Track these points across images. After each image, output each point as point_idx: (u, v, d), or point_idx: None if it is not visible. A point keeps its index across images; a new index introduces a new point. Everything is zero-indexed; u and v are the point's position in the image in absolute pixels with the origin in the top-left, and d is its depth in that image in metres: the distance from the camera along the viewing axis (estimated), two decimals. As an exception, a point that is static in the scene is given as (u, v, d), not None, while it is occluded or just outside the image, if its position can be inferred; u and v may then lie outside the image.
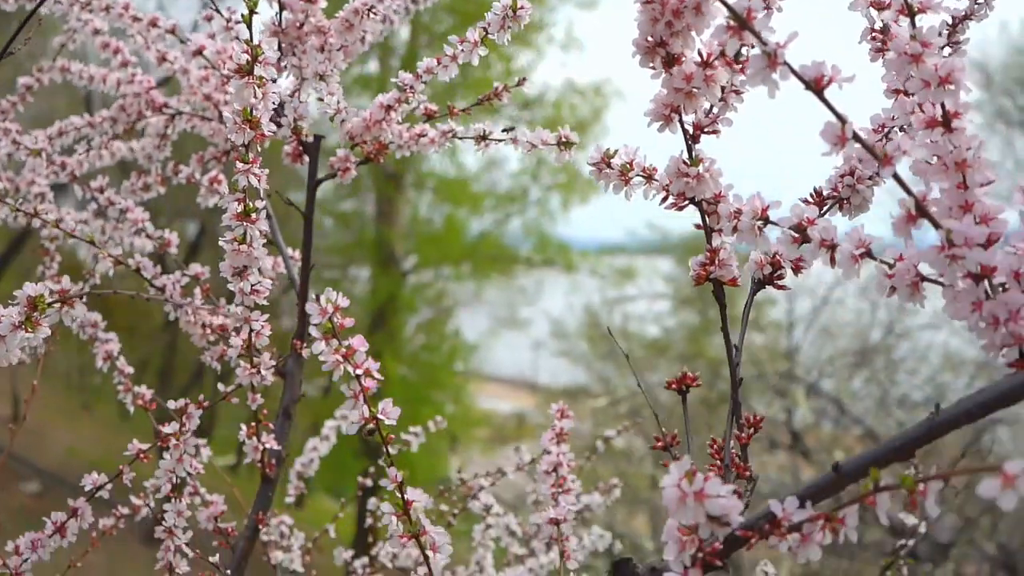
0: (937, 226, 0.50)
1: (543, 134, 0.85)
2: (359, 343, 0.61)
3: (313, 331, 0.60)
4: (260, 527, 0.97)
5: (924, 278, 0.53)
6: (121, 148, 1.34)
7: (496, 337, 11.92)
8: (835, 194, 0.66)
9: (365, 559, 1.34)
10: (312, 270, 1.02)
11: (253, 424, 0.94)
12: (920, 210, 0.50)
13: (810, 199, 0.67)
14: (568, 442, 0.93)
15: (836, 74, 0.49)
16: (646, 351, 9.76)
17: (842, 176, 0.67)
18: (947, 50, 0.71)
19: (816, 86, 0.49)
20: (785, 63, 0.49)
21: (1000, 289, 0.51)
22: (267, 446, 0.95)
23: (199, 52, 1.04)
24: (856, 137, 0.49)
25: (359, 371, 0.61)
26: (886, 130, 0.67)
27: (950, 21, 0.72)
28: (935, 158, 0.53)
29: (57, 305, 0.66)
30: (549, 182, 11.77)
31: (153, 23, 1.08)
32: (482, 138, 0.92)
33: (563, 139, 0.83)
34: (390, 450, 0.63)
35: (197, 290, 1.02)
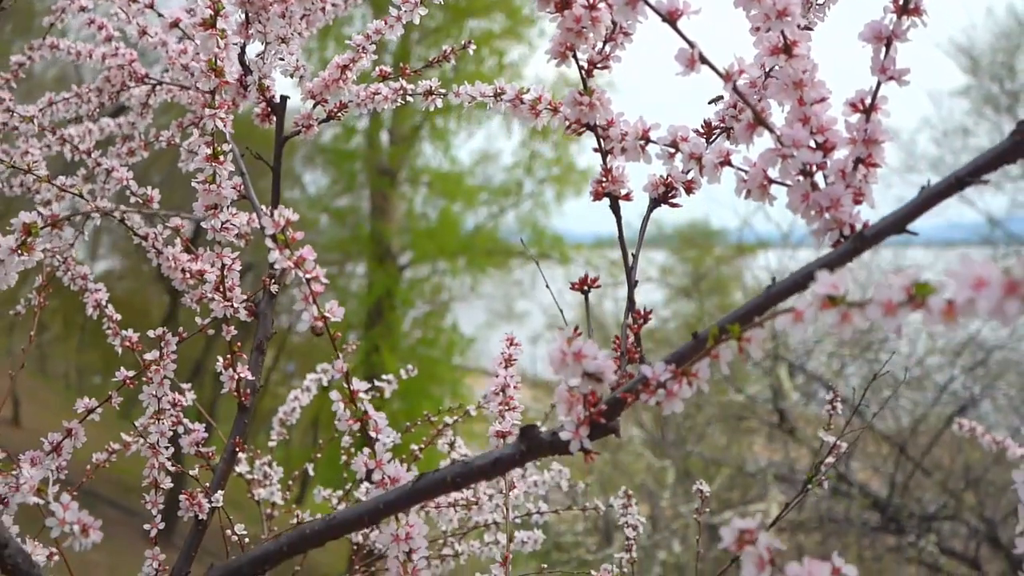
0: (772, 132, 0.60)
1: (481, 87, 0.95)
2: (308, 252, 0.71)
3: (268, 242, 0.70)
4: (237, 451, 1.08)
5: (771, 180, 0.63)
6: (109, 123, 1.44)
7: (493, 330, 12.02)
8: (722, 124, 0.77)
9: (340, 492, 1.45)
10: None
11: (229, 356, 1.04)
12: (758, 119, 0.60)
13: (700, 129, 0.77)
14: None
15: (687, 8, 0.60)
16: (643, 340, 9.80)
17: (728, 108, 0.77)
18: None
19: (671, 18, 0.60)
20: (644, 0, 0.59)
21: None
22: (242, 376, 1.06)
23: (175, 24, 1.14)
24: (703, 59, 0.60)
25: (309, 276, 0.71)
26: (767, 68, 0.77)
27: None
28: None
29: (48, 228, 0.77)
30: (543, 175, 11.88)
31: (133, -1, 1.18)
32: (429, 93, 1.03)
33: (498, 91, 0.93)
34: (337, 346, 0.74)
35: (178, 240, 1.12)
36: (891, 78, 0.61)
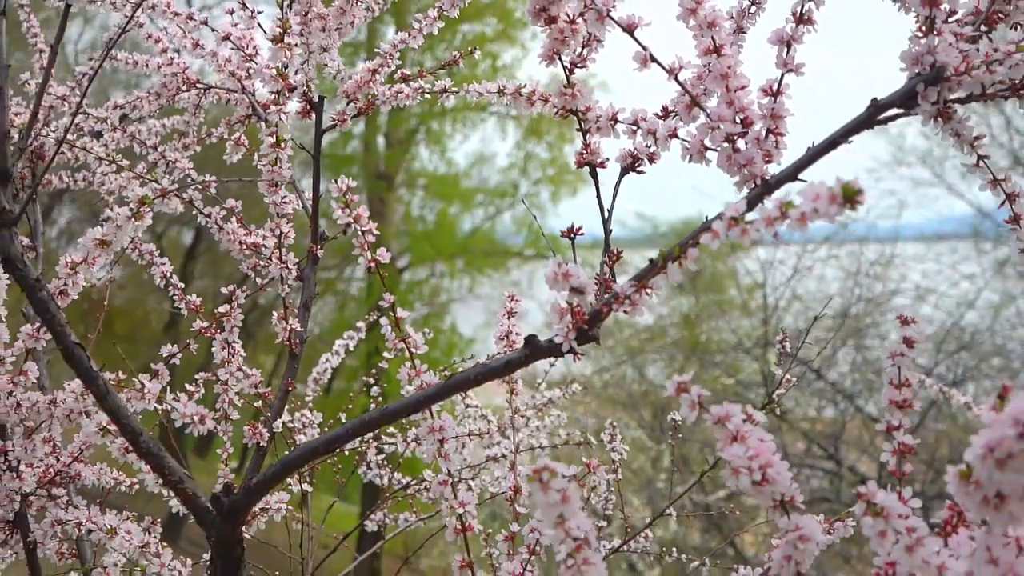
0: (704, 111, 0.83)
1: (487, 85, 1.18)
2: (364, 211, 0.94)
3: (333, 203, 0.93)
4: (289, 390, 1.30)
5: (706, 147, 0.86)
6: (155, 125, 1.66)
7: (492, 331, 12.21)
8: (675, 108, 0.99)
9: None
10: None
11: (282, 310, 1.27)
12: (693, 102, 0.83)
13: (659, 112, 0.99)
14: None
15: (641, 21, 0.82)
16: (640, 339, 10.04)
17: (679, 95, 0.99)
18: (753, 7, 1.03)
19: (629, 29, 0.82)
20: (609, 16, 0.82)
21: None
22: (293, 328, 1.28)
23: (227, 37, 1.36)
24: (653, 59, 0.82)
25: (364, 229, 0.93)
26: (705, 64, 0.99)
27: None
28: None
29: (160, 199, 0.99)
30: (538, 176, 12.11)
31: (190, 17, 1.40)
32: (443, 91, 1.25)
33: (501, 88, 1.15)
34: (386, 284, 0.96)
35: (234, 218, 1.35)
36: (790, 70, 0.83)
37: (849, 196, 0.59)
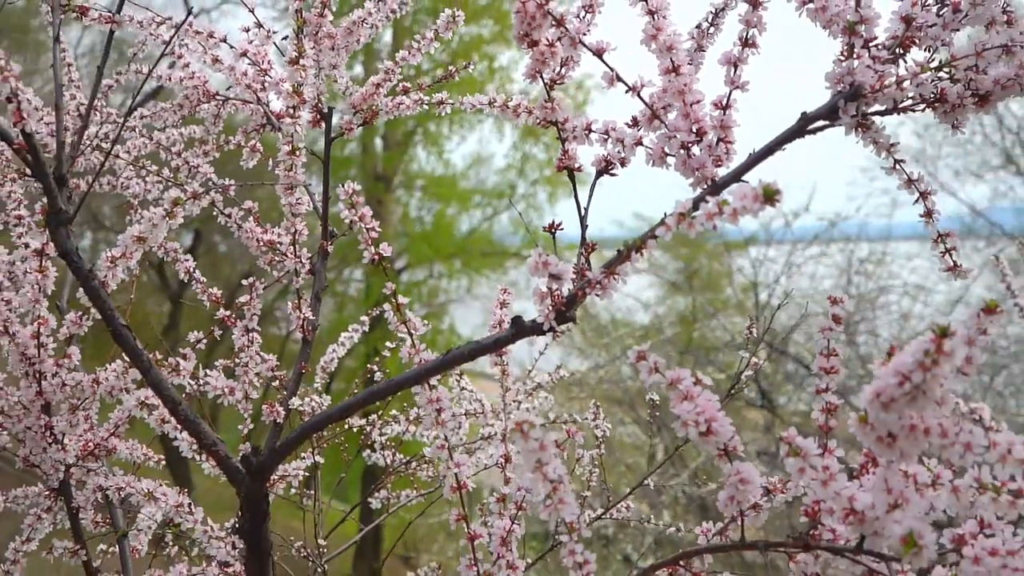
0: (662, 122, 0.97)
1: (480, 97, 1.32)
2: (367, 210, 1.07)
3: (340, 204, 1.06)
4: (303, 372, 1.44)
5: (666, 153, 1.00)
6: (173, 133, 1.80)
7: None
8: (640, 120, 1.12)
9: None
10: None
11: (296, 300, 1.40)
12: (653, 115, 0.97)
13: (629, 123, 1.13)
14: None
15: (608, 46, 0.96)
16: (635, 337, 10.13)
17: (644, 109, 1.13)
18: (712, 28, 1.17)
19: (598, 53, 0.96)
20: (581, 41, 0.95)
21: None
22: (306, 316, 1.41)
23: (244, 54, 1.50)
24: (619, 78, 0.96)
25: (368, 226, 1.07)
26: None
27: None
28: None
29: (191, 200, 1.13)
30: (535, 177, 12.25)
31: (211, 35, 1.53)
32: (441, 103, 1.39)
33: (492, 100, 1.29)
34: (389, 276, 1.10)
35: (251, 218, 1.48)
36: (737, 87, 0.97)
37: (769, 195, 0.73)
